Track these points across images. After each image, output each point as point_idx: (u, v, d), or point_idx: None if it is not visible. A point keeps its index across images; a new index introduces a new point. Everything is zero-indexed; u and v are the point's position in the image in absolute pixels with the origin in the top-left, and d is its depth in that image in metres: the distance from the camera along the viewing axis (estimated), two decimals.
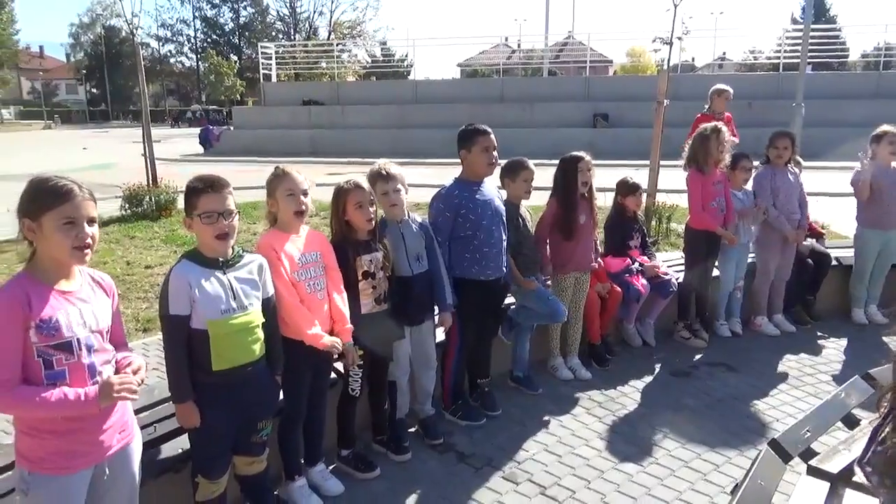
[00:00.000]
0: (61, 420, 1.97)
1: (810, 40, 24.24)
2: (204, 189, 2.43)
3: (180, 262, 2.48)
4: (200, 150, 25.90)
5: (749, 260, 5.48)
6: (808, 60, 25.50)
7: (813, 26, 25.66)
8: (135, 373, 2.08)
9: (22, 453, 1.99)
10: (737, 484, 2.44)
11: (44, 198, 1.93)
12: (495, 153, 3.77)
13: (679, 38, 9.30)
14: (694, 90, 22.89)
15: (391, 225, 3.44)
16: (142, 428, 2.46)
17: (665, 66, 9.47)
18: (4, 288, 1.92)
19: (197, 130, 29.79)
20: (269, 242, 2.85)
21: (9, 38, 53.46)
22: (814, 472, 2.42)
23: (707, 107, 7.99)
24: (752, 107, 19.79)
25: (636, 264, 4.92)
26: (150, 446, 2.62)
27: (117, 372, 2.08)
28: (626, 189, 5.09)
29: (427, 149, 20.38)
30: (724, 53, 48.25)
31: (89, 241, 1.97)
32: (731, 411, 4.09)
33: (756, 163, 5.44)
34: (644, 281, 4.90)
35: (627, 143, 19.21)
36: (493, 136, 3.77)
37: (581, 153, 4.30)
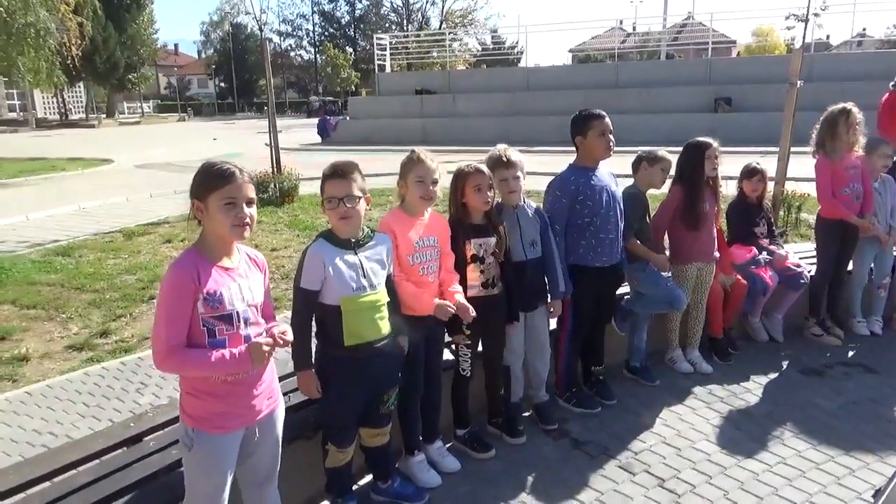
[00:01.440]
0: (220, 383, 2.17)
1: None
2: (330, 175, 2.59)
3: (317, 241, 2.64)
4: (318, 139, 27.06)
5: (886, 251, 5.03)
6: None
7: None
8: (283, 334, 2.24)
9: (186, 411, 2.21)
10: (879, 489, 2.29)
11: (210, 180, 2.12)
12: (612, 137, 3.70)
13: (816, 14, 8.62)
14: (828, 71, 21.34)
15: (507, 210, 3.47)
16: None
17: (801, 45, 8.82)
18: (177, 263, 2.13)
19: (315, 121, 31.11)
20: (389, 223, 2.97)
21: (149, 38, 57.81)
22: None
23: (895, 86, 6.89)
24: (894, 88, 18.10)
25: (763, 254, 4.68)
26: (287, 413, 2.81)
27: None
28: (745, 173, 4.88)
29: (538, 136, 20.18)
30: (864, 29, 44.35)
31: (248, 220, 2.14)
32: (868, 414, 3.82)
33: None
34: (772, 273, 4.65)
35: (752, 128, 18.13)
36: (608, 119, 3.70)
37: (708, 139, 4.13)
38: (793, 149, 8.24)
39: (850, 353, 4.65)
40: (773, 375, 4.35)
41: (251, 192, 2.17)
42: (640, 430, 3.68)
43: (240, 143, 26.02)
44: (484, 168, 3.22)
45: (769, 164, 8.72)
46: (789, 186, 8.67)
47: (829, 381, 4.28)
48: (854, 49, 34.44)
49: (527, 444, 3.53)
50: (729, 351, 4.57)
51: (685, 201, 4.12)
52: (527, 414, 3.79)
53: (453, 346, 3.39)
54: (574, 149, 3.80)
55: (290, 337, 2.25)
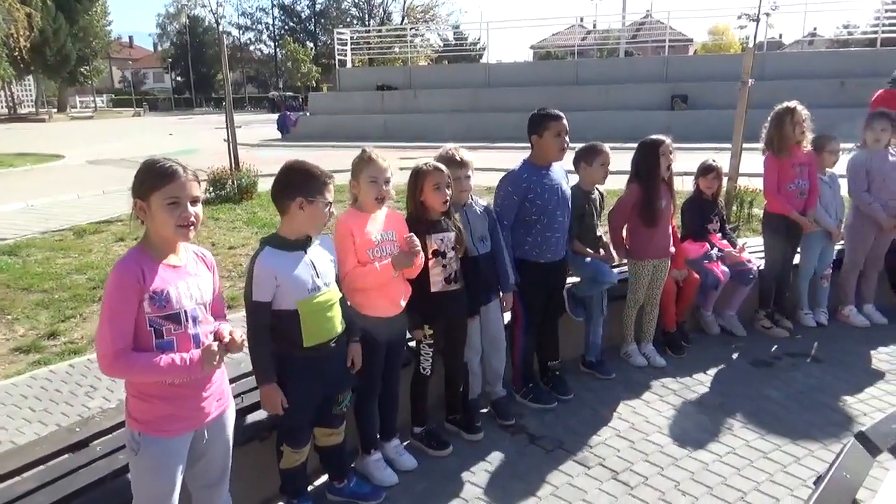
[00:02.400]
0: (168, 386, 2.12)
1: None
2: (328, 178, 2.59)
3: (263, 251, 2.57)
4: (278, 135, 26.71)
5: (838, 247, 5.21)
6: None
7: None
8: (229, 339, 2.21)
9: (133, 415, 2.16)
10: (820, 476, 2.36)
11: (151, 179, 2.07)
12: (567, 138, 3.74)
13: (767, 14, 8.84)
14: (780, 69, 21.90)
15: (455, 208, 3.47)
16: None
17: (752, 44, 9.03)
18: (121, 263, 2.08)
19: (275, 116, 30.71)
20: (346, 222, 2.95)
21: (102, 30, 56.26)
22: None
23: (891, 83, 7.12)
24: (846, 85, 18.72)
25: (715, 250, 4.78)
26: (239, 415, 2.76)
27: (217, 341, 2.22)
28: (700, 171, 4.97)
29: (500, 132, 20.29)
30: (815, 29, 45.63)
31: (192, 219, 2.09)
32: (814, 404, 3.94)
33: (851, 146, 5.15)
34: (724, 268, 4.76)
35: (707, 125, 18.51)
36: (565, 121, 3.74)
37: (662, 137, 4.20)
38: (745, 145, 8.45)
39: (798, 345, 4.79)
40: (724, 367, 4.46)
41: (196, 191, 2.12)
42: (595, 424, 3.73)
43: (197, 138, 25.54)
44: (443, 167, 3.22)
45: (723, 161, 8.97)
46: (742, 182, 8.89)
47: (777, 371, 4.40)
48: (805, 48, 35.41)
49: (484, 439, 3.55)
50: (682, 344, 4.67)
51: (642, 199, 4.19)
52: (484, 410, 3.81)
53: (414, 344, 3.38)
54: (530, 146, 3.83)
55: (238, 338, 2.21)
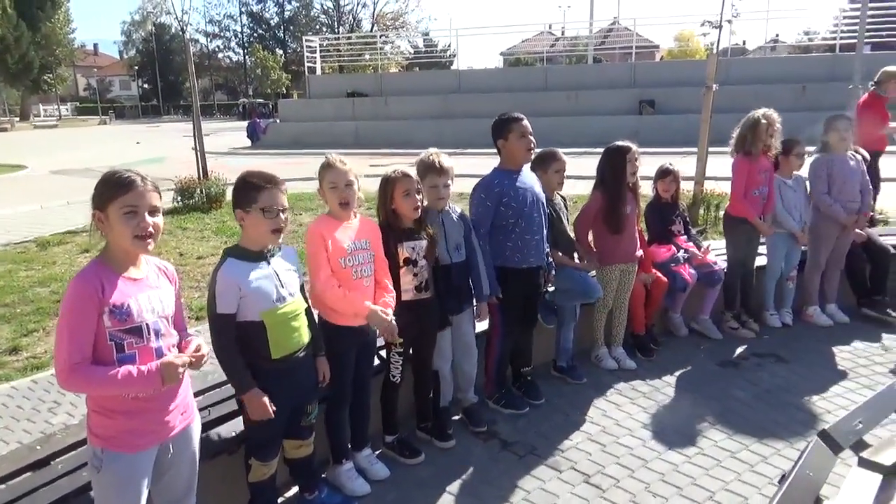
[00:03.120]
0: (131, 400, 2.08)
1: (869, 19, 23.31)
2: (264, 185, 2.51)
3: (226, 262, 2.54)
4: (248, 143, 26.47)
5: (802, 248, 5.32)
6: (867, 40, 24.52)
7: (872, 4, 24.66)
8: (197, 351, 2.18)
9: (94, 431, 2.11)
10: (784, 474, 2.40)
11: (109, 189, 2.03)
12: (532, 138, 3.76)
13: (728, 22, 9.03)
14: (744, 74, 22.34)
15: (432, 214, 3.47)
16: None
17: (715, 51, 9.22)
18: (80, 275, 2.03)
19: (244, 124, 30.44)
20: (318, 229, 2.92)
21: (65, 38, 55.31)
22: (865, 464, 2.36)
23: (874, 85, 6.96)
24: (807, 91, 19.17)
25: (682, 252, 4.85)
26: (205, 429, 2.73)
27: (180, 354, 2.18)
28: (658, 175, 5.04)
29: (470, 138, 20.31)
30: (777, 35, 46.71)
31: (151, 230, 2.06)
32: (780, 402, 4.01)
33: (812, 149, 5.27)
34: (692, 270, 4.83)
35: (674, 129, 18.80)
36: (526, 122, 3.75)
37: (627, 143, 4.25)
38: (711, 149, 8.62)
39: (764, 345, 4.88)
40: (692, 369, 4.52)
41: (155, 201, 2.09)
42: (567, 428, 3.75)
43: (164, 146, 25.15)
44: (411, 172, 3.22)
45: (689, 165, 9.12)
46: (708, 185, 9.05)
47: (744, 372, 4.47)
48: (768, 54, 36.22)
49: (456, 447, 3.54)
50: (651, 347, 4.72)
51: (607, 205, 4.23)
52: (456, 417, 3.80)
53: (384, 353, 3.36)
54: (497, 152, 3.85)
55: (203, 352, 2.17)
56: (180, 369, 2.08)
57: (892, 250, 5.48)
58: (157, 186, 2.12)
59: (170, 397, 2.18)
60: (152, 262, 2.21)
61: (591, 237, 4.43)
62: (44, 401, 4.22)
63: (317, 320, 2.90)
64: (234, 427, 2.85)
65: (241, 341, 2.57)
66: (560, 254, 4.17)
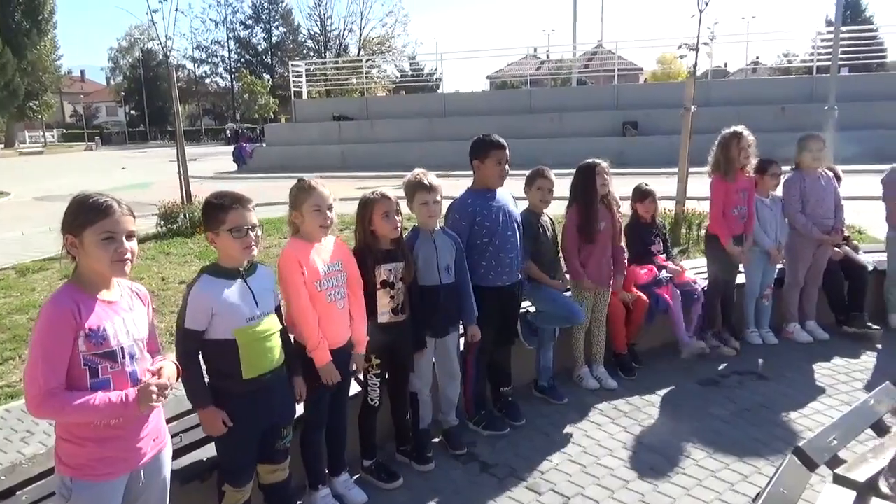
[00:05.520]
0: (103, 427, 2.04)
1: (845, 43, 23.82)
2: (231, 205, 2.51)
3: (201, 279, 2.54)
4: (234, 167, 26.46)
5: (779, 266, 5.36)
6: (844, 63, 25.04)
7: (848, 28, 25.19)
8: (166, 377, 2.15)
9: (63, 460, 2.06)
10: (758, 493, 2.40)
11: (85, 214, 2.02)
12: (507, 167, 3.80)
13: (705, 44, 9.19)
14: (725, 96, 22.70)
15: (424, 234, 3.47)
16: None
17: (693, 73, 9.36)
18: (54, 298, 2.00)
19: (231, 148, 30.47)
20: (293, 254, 2.90)
21: (52, 64, 55.33)
22: (840, 480, 2.37)
23: None
24: (786, 111, 19.46)
25: (664, 273, 4.85)
26: (177, 455, 2.68)
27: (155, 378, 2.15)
28: (637, 195, 5.03)
29: (456, 161, 20.29)
30: (758, 58, 47.50)
31: (128, 255, 2.04)
32: (759, 420, 4.01)
33: (786, 168, 5.34)
34: (676, 289, 4.83)
35: (657, 150, 18.99)
36: (507, 150, 3.79)
37: (596, 159, 4.31)
38: (692, 169, 8.71)
39: (744, 363, 4.88)
40: (674, 388, 4.52)
41: (131, 225, 2.08)
42: (547, 450, 3.72)
43: (150, 171, 25.09)
44: (390, 194, 3.22)
45: (670, 185, 9.20)
46: (689, 205, 9.14)
47: (724, 390, 4.47)
48: (749, 76, 36.83)
49: (435, 470, 3.51)
50: (633, 366, 4.72)
51: (580, 219, 4.26)
52: (436, 440, 3.77)
53: (361, 376, 3.34)
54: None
55: (170, 375, 2.15)
56: (157, 396, 2.04)
57: (869, 267, 5.54)
58: (131, 210, 2.11)
59: (142, 423, 2.14)
60: (124, 285, 2.19)
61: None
62: (16, 430, 4.15)
63: (292, 341, 2.88)
64: (207, 452, 2.80)
65: (211, 360, 2.56)
66: (534, 266, 4.15)
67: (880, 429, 2.74)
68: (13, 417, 4.31)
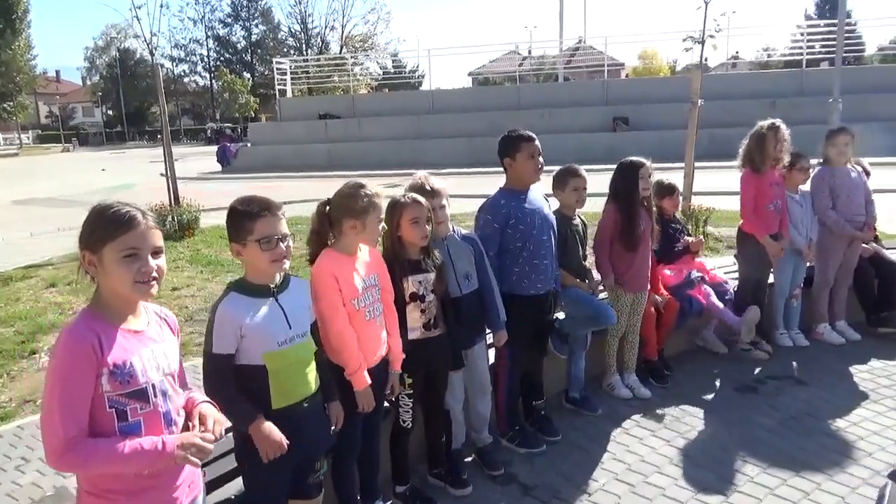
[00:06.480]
0: (133, 477, 1.74)
1: (826, 36, 23.92)
2: (260, 213, 2.19)
3: (228, 297, 2.24)
4: (218, 167, 25.98)
5: (808, 264, 5.16)
6: (824, 57, 25.14)
7: (828, 21, 25.29)
8: (210, 423, 1.87)
9: None
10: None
11: (104, 228, 1.72)
12: (541, 159, 3.55)
13: (711, 36, 9.02)
14: (709, 90, 22.54)
15: (436, 242, 3.20)
16: None
17: (697, 65, 9.20)
18: (71, 330, 1.70)
19: (214, 148, 29.95)
20: (329, 269, 2.61)
21: (26, 65, 53.99)
22: None
23: None
24: (777, 106, 19.42)
25: (695, 273, 4.62)
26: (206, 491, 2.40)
27: (187, 417, 1.87)
28: (663, 191, 4.73)
29: (445, 158, 20.22)
30: (737, 52, 47.76)
31: (154, 273, 1.75)
32: (807, 430, 3.80)
33: (814, 161, 5.14)
34: (707, 288, 4.60)
35: (648, 145, 18.60)
36: (537, 141, 3.55)
37: (641, 158, 4.05)
38: (678, 164, 8.53)
39: (778, 366, 4.67)
40: (710, 395, 4.30)
41: (158, 240, 1.79)
42: (589, 467, 3.48)
43: (132, 173, 24.53)
44: (421, 199, 2.95)
45: (674, 180, 9.01)
46: (695, 201, 8.96)
47: (764, 396, 4.26)
48: (729, 70, 36.95)
49: (473, 493, 3.25)
50: (665, 373, 4.49)
51: (621, 223, 4.01)
52: (469, 459, 3.51)
53: (393, 397, 3.06)
54: (503, 170, 3.63)
55: (219, 430, 1.86)
56: (201, 452, 1.75)
57: None
58: (157, 222, 1.83)
59: (179, 470, 1.85)
60: (151, 310, 1.90)
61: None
62: (10, 457, 3.82)
63: (327, 362, 2.60)
64: (234, 488, 2.52)
65: (238, 389, 2.26)
66: (565, 273, 3.90)
67: None
68: (5, 442, 3.99)
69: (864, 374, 4.52)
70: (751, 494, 3.18)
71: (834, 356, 4.84)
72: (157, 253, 1.77)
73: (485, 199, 3.66)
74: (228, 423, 1.93)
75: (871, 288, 5.25)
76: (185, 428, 1.86)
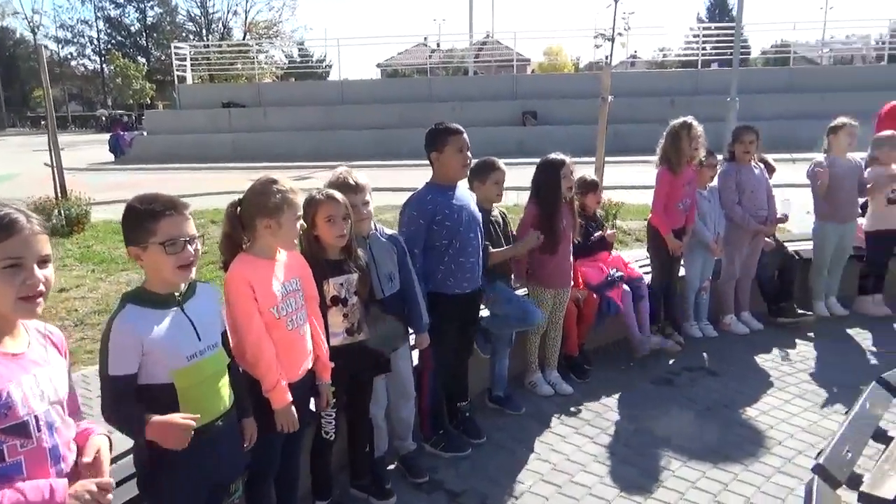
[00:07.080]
0: None
1: (719, 38, 25.27)
2: (164, 211, 1.93)
3: (125, 310, 1.95)
4: (111, 157, 24.39)
5: (716, 257, 5.33)
6: (716, 58, 26.59)
7: (720, 24, 26.77)
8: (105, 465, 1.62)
9: None
10: None
11: None
12: (469, 153, 3.43)
13: (620, 34, 9.23)
14: (613, 87, 23.26)
15: (357, 241, 3.01)
16: None
17: (607, 63, 9.38)
18: None
19: (106, 136, 28.11)
20: (243, 275, 2.37)
21: None
22: (866, 499, 2.20)
23: None
24: (675, 104, 20.31)
25: (614, 271, 4.64)
26: None
27: (78, 453, 1.60)
28: (585, 186, 4.72)
29: (354, 150, 19.84)
30: (636, 52, 49.77)
31: (41, 287, 1.50)
32: (723, 420, 3.90)
33: (720, 157, 5.31)
34: (626, 287, 4.63)
35: (557, 140, 18.93)
36: (465, 135, 3.42)
37: (562, 156, 4.01)
38: (585, 159, 8.70)
39: (691, 358, 4.79)
40: (629, 389, 4.34)
41: (45, 247, 1.53)
42: (515, 469, 3.40)
43: (11, 162, 22.60)
44: (337, 195, 2.75)
45: (579, 174, 9.17)
46: (607, 195, 9.16)
47: (679, 388, 4.35)
48: (629, 69, 38.49)
49: (397, 503, 3.10)
50: (585, 368, 4.50)
51: (542, 221, 3.95)
52: (391, 467, 3.35)
53: (323, 412, 2.85)
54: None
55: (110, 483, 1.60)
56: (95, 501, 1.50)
57: (796, 256, 5.65)
58: (44, 225, 1.56)
59: None
60: (32, 328, 1.63)
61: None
62: None
63: (241, 372, 2.36)
64: None
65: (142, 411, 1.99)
66: (493, 249, 3.76)
67: (880, 436, 2.63)
68: None
69: (769, 363, 4.72)
70: (673, 489, 3.20)
71: (741, 346, 5.03)
72: (43, 262, 1.52)
73: (410, 194, 3.50)
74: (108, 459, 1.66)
75: (772, 279, 5.50)
76: (76, 466, 1.60)
